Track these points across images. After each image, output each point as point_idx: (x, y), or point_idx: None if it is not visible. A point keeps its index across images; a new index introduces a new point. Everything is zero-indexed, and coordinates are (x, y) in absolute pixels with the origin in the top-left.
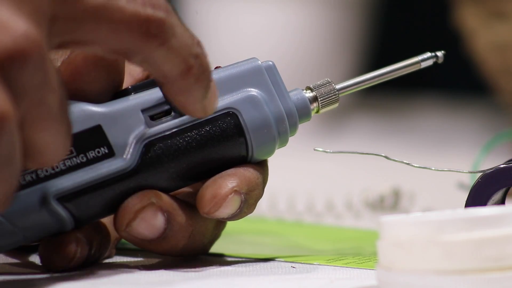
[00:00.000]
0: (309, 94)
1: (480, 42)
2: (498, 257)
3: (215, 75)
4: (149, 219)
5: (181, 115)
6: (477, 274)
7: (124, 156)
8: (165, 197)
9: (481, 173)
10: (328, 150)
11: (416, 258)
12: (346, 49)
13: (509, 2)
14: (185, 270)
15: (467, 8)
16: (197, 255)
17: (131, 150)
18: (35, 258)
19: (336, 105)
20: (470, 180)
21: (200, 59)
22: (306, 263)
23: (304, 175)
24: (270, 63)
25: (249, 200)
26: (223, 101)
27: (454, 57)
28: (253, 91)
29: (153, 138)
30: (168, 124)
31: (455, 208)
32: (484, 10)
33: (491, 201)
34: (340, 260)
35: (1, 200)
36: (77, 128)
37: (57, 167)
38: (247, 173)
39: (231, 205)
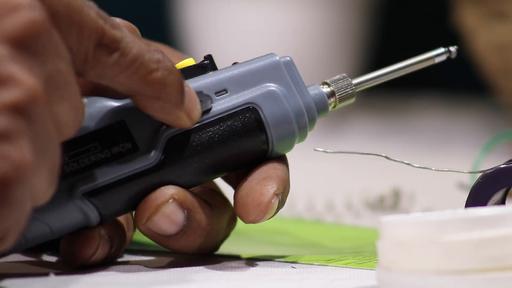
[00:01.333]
0: (326, 89)
1: (480, 42)
2: (498, 257)
3: (234, 70)
4: (170, 214)
5: (205, 108)
6: (477, 274)
7: (148, 151)
8: (186, 194)
9: (481, 173)
10: (328, 150)
11: (416, 258)
12: (346, 49)
13: (509, 2)
14: (185, 270)
15: (467, 8)
16: (210, 253)
17: (154, 144)
18: (46, 257)
19: (353, 100)
20: (470, 180)
21: (163, 63)
22: (306, 263)
23: (304, 175)
24: (288, 58)
25: (283, 198)
26: (243, 96)
27: (453, 57)
28: (273, 86)
29: (175, 133)
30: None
31: (455, 208)
32: (484, 10)
33: (491, 201)
34: (340, 260)
35: (49, 180)
36: (100, 123)
37: (82, 162)
38: (280, 172)
39: (273, 209)
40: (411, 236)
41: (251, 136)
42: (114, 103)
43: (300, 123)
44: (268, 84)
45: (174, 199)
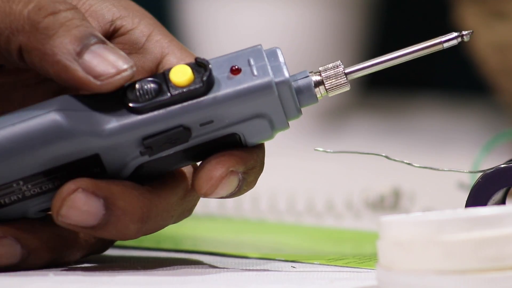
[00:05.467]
0: (315, 78)
1: (480, 42)
2: (498, 257)
3: (225, 96)
4: (80, 205)
5: (182, 142)
6: (477, 274)
7: (115, 174)
8: (100, 182)
9: (481, 173)
10: (328, 150)
11: (416, 258)
12: (346, 49)
13: (509, 2)
14: (184, 270)
15: (467, 8)
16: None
17: (123, 170)
18: None
19: (347, 88)
20: (470, 180)
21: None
22: (306, 263)
23: (304, 175)
24: (285, 78)
25: (247, 178)
26: (228, 128)
27: (454, 57)
28: (261, 116)
29: (146, 160)
30: (166, 151)
31: (455, 208)
32: (484, 9)
33: (491, 201)
34: (340, 260)
35: None
36: (73, 157)
37: (46, 187)
38: (243, 152)
39: (228, 186)
40: (411, 236)
41: (226, 147)
42: (93, 139)
43: (282, 129)
44: (257, 113)
45: (82, 189)
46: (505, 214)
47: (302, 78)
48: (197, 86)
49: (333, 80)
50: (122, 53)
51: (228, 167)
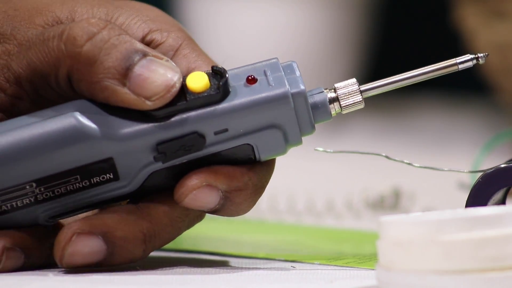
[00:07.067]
0: (330, 95)
1: (480, 42)
2: (498, 257)
3: (240, 105)
4: (81, 249)
5: (196, 150)
6: (477, 274)
7: (128, 182)
8: (94, 220)
9: (481, 173)
10: (328, 150)
11: (416, 258)
12: (346, 49)
13: (509, 2)
14: (184, 270)
15: (467, 8)
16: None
17: (136, 177)
18: None
19: (361, 106)
20: (470, 180)
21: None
22: (306, 263)
23: (304, 175)
24: (301, 89)
25: (234, 198)
26: (242, 138)
27: (454, 57)
28: (276, 127)
29: (159, 168)
30: (180, 159)
31: (455, 208)
32: (484, 9)
33: (491, 201)
34: (340, 260)
35: None
36: (88, 160)
37: (58, 191)
38: (231, 170)
39: (203, 199)
40: (411, 236)
41: (239, 160)
42: (106, 142)
43: (295, 144)
44: (272, 123)
45: (79, 233)
46: (505, 214)
47: (318, 93)
48: (213, 92)
49: (349, 98)
50: (167, 63)
51: (204, 180)
